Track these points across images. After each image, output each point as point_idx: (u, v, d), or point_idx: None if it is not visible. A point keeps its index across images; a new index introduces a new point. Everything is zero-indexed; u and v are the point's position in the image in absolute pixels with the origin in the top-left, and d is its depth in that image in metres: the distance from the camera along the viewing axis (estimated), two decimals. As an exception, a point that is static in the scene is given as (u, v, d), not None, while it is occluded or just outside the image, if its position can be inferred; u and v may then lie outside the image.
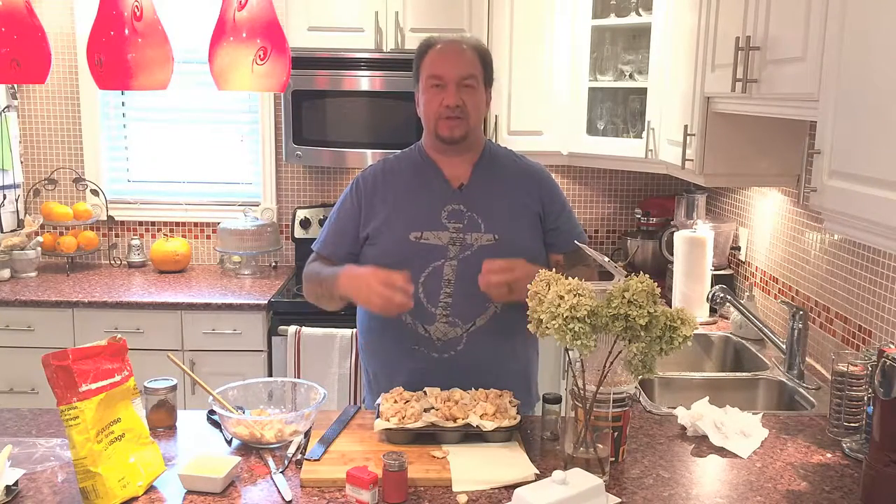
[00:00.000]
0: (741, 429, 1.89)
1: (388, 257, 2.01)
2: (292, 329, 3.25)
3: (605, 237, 4.01)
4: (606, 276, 1.74)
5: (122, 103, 3.96)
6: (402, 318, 2.02)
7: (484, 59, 2.07)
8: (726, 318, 2.94)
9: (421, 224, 2.03)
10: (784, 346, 2.42)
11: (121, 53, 2.30)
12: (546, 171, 2.19)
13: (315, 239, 2.20)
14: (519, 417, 1.83)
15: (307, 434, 1.84)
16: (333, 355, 3.23)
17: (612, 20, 3.34)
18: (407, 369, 2.04)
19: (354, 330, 3.13)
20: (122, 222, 3.96)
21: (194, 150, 3.98)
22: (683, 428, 1.94)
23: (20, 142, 3.88)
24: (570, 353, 1.65)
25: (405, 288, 1.86)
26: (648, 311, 1.52)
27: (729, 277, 3.15)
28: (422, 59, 2.06)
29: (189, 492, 1.60)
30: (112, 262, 3.94)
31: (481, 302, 2.01)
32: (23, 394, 3.32)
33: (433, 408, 1.84)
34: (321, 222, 3.74)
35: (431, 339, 2.03)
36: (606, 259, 1.79)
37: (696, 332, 1.59)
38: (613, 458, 1.72)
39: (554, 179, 2.20)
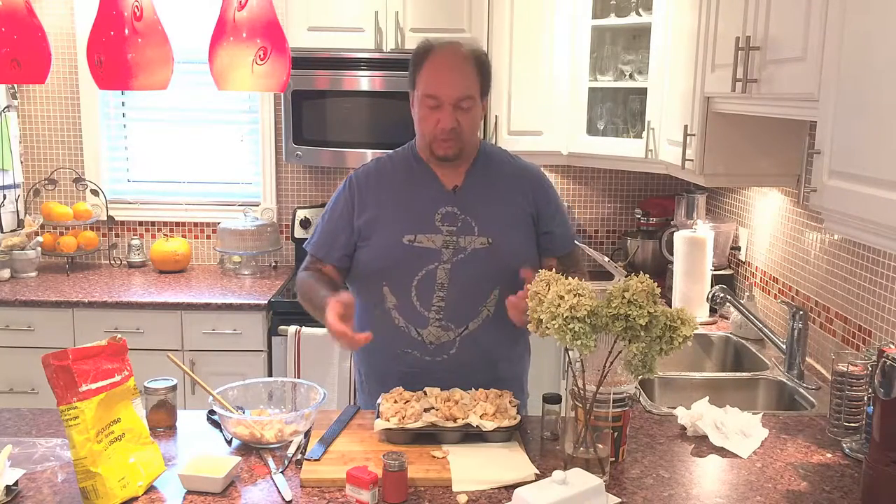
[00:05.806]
0: (741, 429, 1.89)
1: (381, 261, 2.00)
2: (292, 329, 3.25)
3: (605, 237, 4.01)
4: (606, 276, 1.74)
5: (122, 103, 3.96)
6: (395, 322, 2.02)
7: (482, 71, 1.98)
8: (726, 318, 2.94)
9: (414, 227, 2.00)
10: (784, 346, 2.42)
11: (121, 53, 2.30)
12: (541, 172, 2.16)
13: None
14: (519, 417, 1.83)
15: (307, 434, 1.84)
16: (333, 355, 3.23)
17: (612, 20, 3.34)
18: (398, 372, 2.02)
19: (354, 330, 3.14)
20: (122, 222, 3.96)
21: (194, 150, 3.98)
22: (683, 428, 1.93)
23: (20, 142, 3.88)
24: (570, 353, 1.65)
25: (345, 333, 1.83)
26: (648, 311, 1.52)
27: (729, 277, 3.14)
28: (419, 68, 1.97)
29: (189, 492, 1.61)
30: (112, 262, 3.94)
31: (474, 306, 2.00)
32: (23, 394, 3.32)
33: (433, 408, 1.84)
34: (321, 222, 3.74)
35: (424, 342, 2.02)
36: (606, 259, 1.78)
37: (696, 332, 1.59)
38: (613, 458, 1.72)
39: (549, 181, 2.17)
